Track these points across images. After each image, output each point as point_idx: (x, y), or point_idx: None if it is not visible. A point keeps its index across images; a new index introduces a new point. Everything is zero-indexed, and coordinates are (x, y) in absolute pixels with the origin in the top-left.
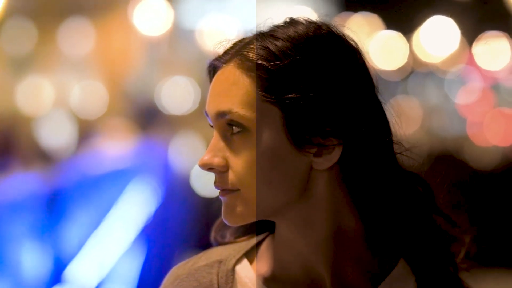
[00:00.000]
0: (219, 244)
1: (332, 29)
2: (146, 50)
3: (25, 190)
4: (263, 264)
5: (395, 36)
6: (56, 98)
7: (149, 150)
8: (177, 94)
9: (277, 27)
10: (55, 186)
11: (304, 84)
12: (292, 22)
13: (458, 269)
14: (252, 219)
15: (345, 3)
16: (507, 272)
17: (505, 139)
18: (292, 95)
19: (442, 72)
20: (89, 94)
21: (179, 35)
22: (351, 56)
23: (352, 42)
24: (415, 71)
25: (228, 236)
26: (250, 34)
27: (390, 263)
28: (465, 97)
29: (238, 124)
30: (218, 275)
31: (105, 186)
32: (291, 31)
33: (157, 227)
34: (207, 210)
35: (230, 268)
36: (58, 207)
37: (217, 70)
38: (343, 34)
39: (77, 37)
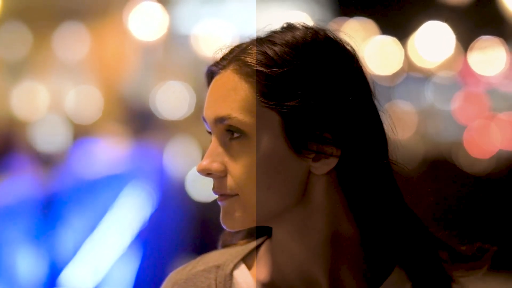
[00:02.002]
0: (223, 248)
1: (329, 34)
2: (141, 55)
3: (20, 194)
4: (261, 269)
5: (390, 41)
6: (51, 102)
7: (144, 155)
8: (172, 99)
9: (274, 32)
10: (50, 191)
11: (303, 89)
12: (289, 28)
13: (453, 276)
14: (251, 224)
15: (340, 8)
16: (504, 275)
17: (500, 144)
18: (291, 101)
19: (437, 77)
20: (84, 98)
21: (174, 40)
22: (349, 61)
23: (349, 47)
24: (410, 76)
25: (231, 241)
26: (247, 39)
27: (386, 269)
28: (460, 102)
29: (237, 129)
30: (216, 280)
31: (100, 190)
32: (288, 37)
33: (152, 231)
34: (202, 215)
35: (228, 273)
36: (54, 212)
37: (215, 76)
38: (340, 39)
39: (72, 42)
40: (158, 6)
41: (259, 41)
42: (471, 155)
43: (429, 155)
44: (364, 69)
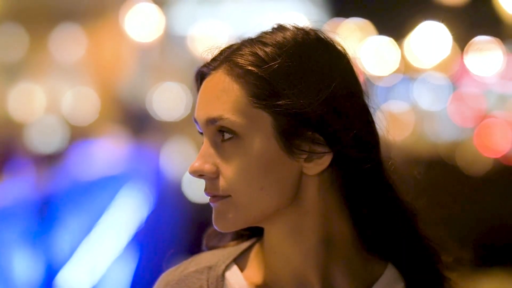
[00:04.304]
0: (209, 249)
1: (320, 34)
2: (137, 56)
3: (17, 195)
4: (253, 270)
5: (386, 41)
6: (48, 104)
7: (140, 156)
8: (169, 100)
9: (265, 33)
10: (47, 192)
11: (293, 90)
12: (280, 28)
13: (446, 276)
14: (243, 225)
15: (336, 9)
16: (500, 273)
17: (496, 145)
18: (282, 101)
19: (434, 78)
20: (80, 100)
21: (171, 41)
22: (339, 61)
23: (340, 48)
24: (406, 77)
25: (217, 242)
26: (238, 40)
27: (380, 268)
28: (456, 103)
29: (229, 130)
30: (208, 281)
31: (97, 192)
32: (279, 37)
33: (149, 232)
34: (199, 216)
35: (219, 274)
36: (50, 213)
37: (205, 77)
38: (331, 40)
39: (69, 43)
40: (154, 7)
41: (250, 42)
42: (479, 152)
43: (425, 156)
44: (355, 69)
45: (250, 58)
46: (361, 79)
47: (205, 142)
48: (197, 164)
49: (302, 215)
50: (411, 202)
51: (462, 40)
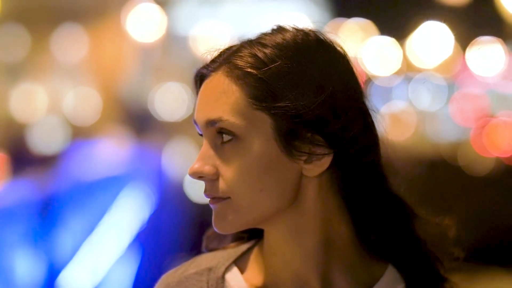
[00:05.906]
0: (209, 250)
1: (320, 36)
2: (139, 56)
3: (18, 196)
4: (253, 272)
5: (388, 41)
6: (49, 104)
7: (142, 156)
8: (171, 100)
9: (264, 34)
10: (48, 193)
11: (293, 91)
12: (279, 30)
13: (446, 277)
14: (243, 227)
15: (338, 9)
16: (499, 271)
17: (499, 145)
18: (281, 102)
19: (436, 78)
20: (82, 100)
21: (172, 42)
22: (339, 62)
23: (340, 49)
24: (408, 77)
25: (217, 244)
26: (237, 42)
27: (380, 270)
28: (459, 103)
29: (229, 132)
30: (208, 283)
31: (99, 192)
32: (279, 39)
33: (151, 233)
34: (200, 216)
35: (220, 276)
36: (52, 213)
37: (205, 79)
38: (331, 41)
39: (70, 43)
40: (156, 7)
41: (249, 43)
42: (480, 154)
43: (427, 156)
44: (355, 70)
45: (249, 60)
46: (361, 80)
47: (205, 144)
48: (196, 166)
49: (302, 216)
50: (412, 202)
51: (464, 40)
